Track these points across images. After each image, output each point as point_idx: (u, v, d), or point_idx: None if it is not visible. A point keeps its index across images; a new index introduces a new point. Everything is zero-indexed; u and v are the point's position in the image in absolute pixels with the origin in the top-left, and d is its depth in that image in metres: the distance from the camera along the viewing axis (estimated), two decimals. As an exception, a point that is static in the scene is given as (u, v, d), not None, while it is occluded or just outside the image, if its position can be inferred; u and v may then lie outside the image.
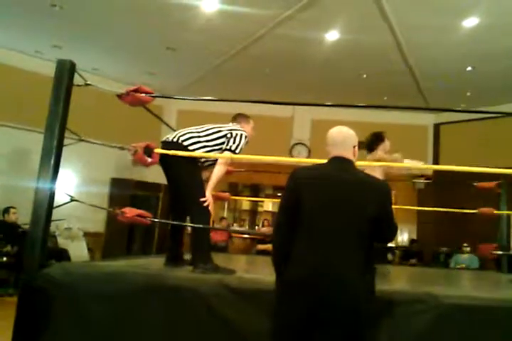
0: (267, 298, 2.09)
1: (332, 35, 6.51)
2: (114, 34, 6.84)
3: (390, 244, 7.15)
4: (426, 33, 6.18)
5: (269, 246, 6.84)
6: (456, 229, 7.81)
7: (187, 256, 3.13)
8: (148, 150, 2.84)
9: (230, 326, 2.26)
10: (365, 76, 7.86)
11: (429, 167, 8.14)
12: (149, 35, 6.79)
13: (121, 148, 2.96)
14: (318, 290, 1.82)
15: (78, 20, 6.45)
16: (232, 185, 9.47)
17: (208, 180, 3.06)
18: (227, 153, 3.00)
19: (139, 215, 2.68)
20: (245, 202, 10.96)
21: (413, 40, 6.40)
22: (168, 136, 3.06)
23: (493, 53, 6.62)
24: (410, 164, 3.88)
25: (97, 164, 8.18)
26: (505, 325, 2.18)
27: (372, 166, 3.39)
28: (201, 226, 2.84)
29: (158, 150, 2.90)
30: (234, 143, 3.02)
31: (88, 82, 2.70)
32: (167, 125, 4.19)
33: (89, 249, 7.94)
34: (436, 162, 9.45)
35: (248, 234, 9.83)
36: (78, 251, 7.53)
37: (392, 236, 2.13)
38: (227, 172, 3.27)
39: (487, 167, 2.85)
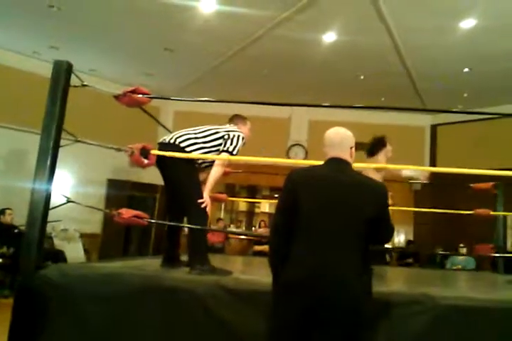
0: (264, 299, 2.09)
1: (329, 37, 6.52)
2: (111, 35, 6.83)
3: (386, 245, 7.15)
4: (423, 34, 6.20)
5: (265, 248, 6.83)
6: (452, 230, 7.82)
7: (184, 258, 3.13)
8: (144, 152, 2.83)
9: (226, 327, 2.26)
10: (362, 77, 7.87)
11: (427, 169, 8.15)
12: (147, 36, 6.79)
13: (118, 150, 2.95)
14: (316, 291, 1.82)
15: (76, 21, 6.44)
16: (229, 186, 9.47)
17: (205, 181, 3.06)
18: (224, 155, 3.00)
19: (135, 216, 2.68)
20: (242, 203, 10.96)
21: (410, 41, 6.42)
22: (165, 138, 3.06)
23: (490, 55, 6.64)
24: (410, 172, 3.85)
25: (93, 165, 8.16)
26: (501, 325, 2.18)
27: (371, 172, 3.36)
28: (198, 227, 2.83)
29: (155, 152, 2.89)
30: (231, 144, 3.02)
31: (85, 83, 2.70)
32: (163, 126, 4.19)
33: (85, 250, 7.93)
34: (433, 163, 9.48)
35: (245, 235, 9.83)
36: (74, 252, 7.52)
37: (389, 237, 2.14)
38: (225, 174, 3.27)
39: (484, 168, 2.86)
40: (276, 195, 9.24)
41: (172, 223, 3.12)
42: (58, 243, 7.47)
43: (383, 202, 2.02)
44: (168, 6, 5.78)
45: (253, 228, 10.49)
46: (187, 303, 2.32)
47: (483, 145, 8.56)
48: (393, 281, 3.83)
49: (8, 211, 6.36)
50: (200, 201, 2.87)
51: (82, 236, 8.00)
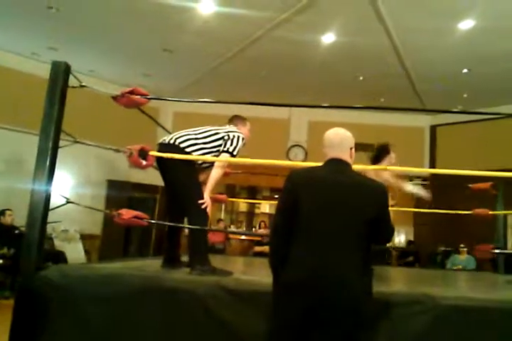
0: (265, 299, 2.09)
1: (328, 38, 6.53)
2: (110, 36, 6.84)
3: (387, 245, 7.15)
4: (422, 35, 6.21)
5: (266, 248, 6.82)
6: (452, 231, 7.82)
7: (184, 258, 3.13)
8: (143, 153, 2.83)
9: (227, 328, 2.26)
10: (361, 78, 7.88)
11: (426, 171, 8.16)
12: (146, 37, 6.79)
13: (117, 151, 2.95)
14: (316, 291, 1.82)
15: (74, 23, 6.45)
16: (229, 187, 9.48)
17: (205, 182, 3.06)
18: (224, 155, 3.00)
19: (135, 217, 2.68)
20: (242, 204, 10.97)
21: (409, 42, 6.42)
22: (165, 138, 3.06)
23: (489, 55, 6.65)
24: (413, 189, 3.86)
25: (93, 166, 8.17)
26: (502, 326, 2.18)
27: (372, 176, 3.37)
28: (198, 227, 2.83)
29: (153, 153, 2.89)
30: (231, 145, 3.02)
31: (83, 84, 2.69)
32: (162, 127, 4.19)
33: (85, 251, 7.92)
34: (432, 164, 9.48)
35: (245, 234, 9.83)
36: (75, 253, 7.52)
37: (390, 237, 2.14)
38: (225, 174, 3.27)
39: (484, 168, 2.86)
40: (276, 196, 9.25)
41: (172, 224, 3.12)
42: (59, 244, 7.47)
43: (383, 202, 2.02)
44: (167, 7, 5.78)
45: (253, 229, 10.50)
46: (187, 304, 2.32)
47: (483, 145, 8.56)
48: (394, 281, 3.84)
49: (8, 212, 6.35)
50: (200, 202, 2.87)
51: (83, 236, 8.00)
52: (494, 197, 4.92)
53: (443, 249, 8.11)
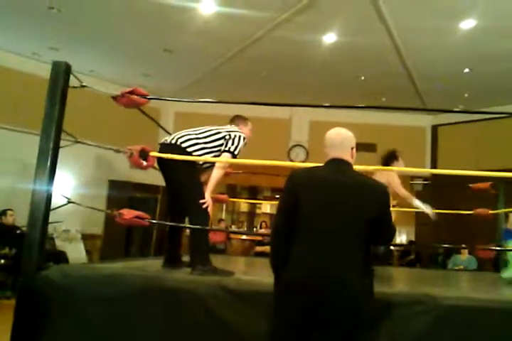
0: (265, 299, 2.09)
1: (329, 38, 6.52)
2: (111, 36, 6.84)
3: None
4: (423, 34, 6.20)
5: (267, 248, 6.83)
6: (454, 231, 7.81)
7: (185, 258, 3.13)
8: (143, 154, 2.83)
9: (228, 328, 2.26)
10: (362, 78, 7.87)
11: (428, 171, 8.16)
12: (146, 37, 6.79)
13: (117, 151, 2.95)
14: (317, 291, 1.82)
15: (75, 23, 6.45)
16: (230, 187, 9.48)
17: (206, 182, 3.06)
18: (225, 155, 3.00)
19: (137, 217, 2.68)
20: (243, 204, 10.97)
21: (410, 42, 6.42)
22: (166, 138, 3.06)
23: (490, 55, 6.64)
24: (421, 205, 3.86)
25: (94, 166, 8.17)
26: (503, 326, 2.18)
27: (377, 177, 3.37)
28: (199, 227, 2.83)
29: (154, 154, 2.89)
30: (232, 144, 3.02)
31: (84, 84, 2.70)
32: (162, 127, 4.19)
33: (87, 251, 7.93)
34: (434, 163, 9.47)
35: (246, 234, 9.83)
36: (76, 253, 7.52)
37: (391, 237, 2.14)
38: (226, 174, 3.27)
39: (485, 168, 2.85)
40: (277, 196, 9.25)
41: (173, 223, 3.12)
42: (60, 244, 7.47)
43: (385, 202, 2.02)
44: (168, 7, 5.78)
45: (254, 229, 10.49)
46: (188, 304, 2.32)
47: (484, 145, 8.55)
48: (395, 281, 3.83)
49: (9, 212, 6.35)
50: (201, 201, 2.88)
51: (84, 236, 8.00)
52: (495, 197, 4.91)
53: (445, 245, 8.08)
